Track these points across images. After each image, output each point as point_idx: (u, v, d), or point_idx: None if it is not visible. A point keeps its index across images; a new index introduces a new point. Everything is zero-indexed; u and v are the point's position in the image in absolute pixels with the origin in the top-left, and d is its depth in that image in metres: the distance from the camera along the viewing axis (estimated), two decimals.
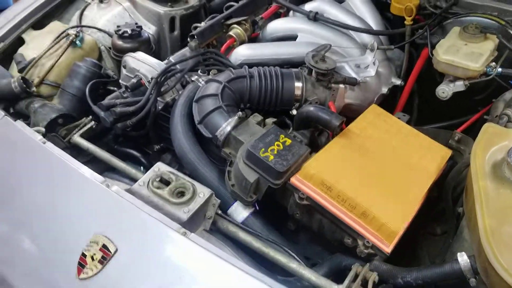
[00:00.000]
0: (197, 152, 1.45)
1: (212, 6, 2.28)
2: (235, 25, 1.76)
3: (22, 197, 1.37)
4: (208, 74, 1.66)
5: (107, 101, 1.56)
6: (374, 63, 1.63)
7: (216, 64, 1.70)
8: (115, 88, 1.80)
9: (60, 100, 1.73)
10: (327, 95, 1.58)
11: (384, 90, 1.76)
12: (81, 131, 1.63)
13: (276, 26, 1.84)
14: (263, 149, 1.29)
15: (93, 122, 1.65)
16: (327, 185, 1.22)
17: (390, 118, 1.55)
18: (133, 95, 1.61)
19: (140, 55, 1.67)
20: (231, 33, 1.76)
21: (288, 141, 1.34)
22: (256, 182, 1.29)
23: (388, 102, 1.84)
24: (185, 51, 1.77)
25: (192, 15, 2.13)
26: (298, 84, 1.55)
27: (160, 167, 1.37)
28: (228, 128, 1.40)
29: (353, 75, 1.63)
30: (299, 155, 1.30)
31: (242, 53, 1.73)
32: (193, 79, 1.64)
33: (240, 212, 1.38)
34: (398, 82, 1.80)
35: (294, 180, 1.27)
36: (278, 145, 1.32)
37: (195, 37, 1.70)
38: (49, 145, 1.44)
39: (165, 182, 1.33)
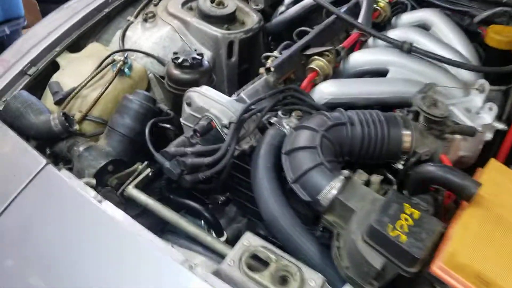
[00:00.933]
0: (291, 218, 1.17)
1: (268, 28, 2.02)
2: (316, 56, 1.49)
3: (86, 273, 1.07)
4: (289, 115, 1.38)
5: (173, 148, 1.27)
6: (491, 108, 1.37)
7: (297, 103, 1.43)
8: (170, 126, 1.52)
9: (109, 141, 1.43)
10: (439, 146, 1.31)
11: (489, 136, 1.50)
12: (136, 181, 1.34)
13: (361, 58, 1.57)
14: (390, 225, 1.02)
15: (149, 169, 1.37)
16: (484, 280, 0.95)
17: None
18: (203, 141, 1.32)
19: (209, 91, 1.39)
20: (313, 65, 1.49)
21: (416, 213, 1.07)
22: (382, 268, 1.01)
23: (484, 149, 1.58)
24: (257, 85, 1.49)
25: (251, 39, 1.87)
26: (407, 133, 1.28)
27: (251, 240, 1.08)
28: (334, 192, 1.12)
29: (465, 121, 1.37)
30: (432, 233, 1.03)
31: (328, 90, 1.46)
32: (272, 121, 1.37)
33: None
34: (501, 126, 1.54)
35: (437, 270, 0.99)
36: (406, 219, 1.05)
37: (272, 70, 1.42)
38: (107, 205, 1.15)
39: (260, 260, 1.05)
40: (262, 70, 1.49)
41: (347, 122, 1.25)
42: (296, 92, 1.44)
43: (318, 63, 1.48)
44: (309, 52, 1.52)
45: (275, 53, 1.55)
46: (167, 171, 1.27)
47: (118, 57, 1.58)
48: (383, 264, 1.01)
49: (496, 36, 1.65)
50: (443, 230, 1.05)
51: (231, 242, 1.43)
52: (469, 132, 1.29)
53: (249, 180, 1.35)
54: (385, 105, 1.47)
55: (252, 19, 1.94)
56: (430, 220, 1.06)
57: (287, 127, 1.33)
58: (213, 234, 1.38)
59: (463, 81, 1.54)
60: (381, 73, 1.55)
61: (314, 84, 1.50)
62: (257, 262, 1.05)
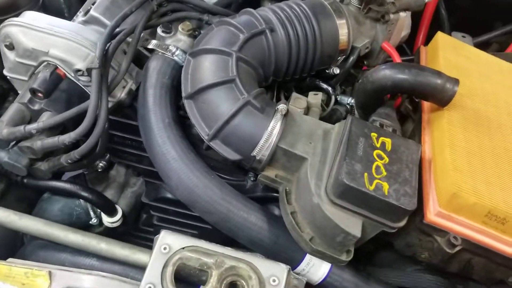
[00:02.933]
0: (219, 187, 0.81)
1: None
2: None
3: None
4: (174, 31, 0.94)
5: (6, 130, 0.79)
6: None
7: (180, 10, 0.97)
8: None
9: None
10: (379, 32, 0.99)
11: None
12: None
13: None
14: (366, 173, 0.71)
15: None
16: (498, 216, 0.71)
17: (469, 51, 1.03)
18: (51, 104, 0.84)
19: (38, 19, 0.86)
20: None
21: (388, 142, 0.77)
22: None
23: None
24: None
25: None
26: (342, 22, 0.92)
27: (171, 242, 0.72)
28: (274, 140, 0.77)
29: None
30: (414, 165, 0.75)
31: None
32: (151, 46, 0.91)
33: (317, 268, 0.83)
34: None
35: (435, 218, 0.73)
36: (379, 156, 0.75)
37: None
38: None
39: (193, 271, 0.71)
40: None
41: (266, 29, 0.85)
42: None
43: None
44: None
45: None
46: (8, 166, 0.80)
47: None
48: (364, 228, 0.73)
49: None
50: (420, 154, 0.78)
51: (129, 215, 1.06)
52: (417, 5, 0.97)
53: (136, 137, 0.94)
54: None
55: None
56: (406, 146, 0.77)
57: (177, 51, 0.90)
58: (103, 215, 0.99)
59: None
60: None
61: None
62: (190, 274, 0.71)
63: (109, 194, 1.06)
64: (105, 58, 0.81)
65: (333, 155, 0.77)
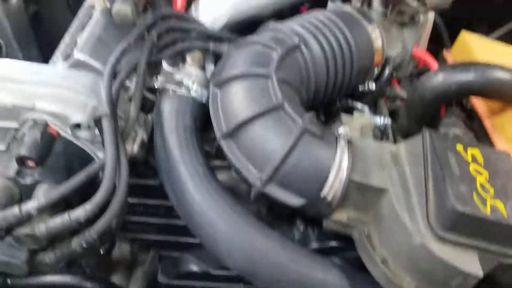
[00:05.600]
0: (281, 242, 0.64)
1: None
2: None
3: None
4: (182, 63, 0.78)
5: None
6: None
7: (183, 39, 0.81)
8: None
9: None
10: (408, 37, 0.88)
11: None
12: None
13: None
14: (474, 194, 0.58)
15: None
16: None
17: (497, 47, 0.95)
18: (47, 173, 0.64)
19: (9, 65, 0.68)
20: None
21: (477, 153, 0.64)
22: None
23: None
24: (94, 29, 0.79)
25: None
26: (373, 29, 0.80)
27: None
28: (345, 173, 0.61)
29: None
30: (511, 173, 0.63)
31: (224, 3, 0.86)
32: (158, 85, 0.75)
33: None
34: None
35: None
36: (477, 171, 0.61)
37: None
38: None
39: None
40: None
41: (300, 43, 0.71)
42: (178, 20, 0.82)
43: None
44: None
45: None
46: (1, 266, 0.58)
47: None
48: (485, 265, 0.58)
49: None
50: None
51: None
52: (445, 3, 0.87)
53: (153, 201, 0.76)
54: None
55: None
56: (496, 155, 0.65)
57: (194, 86, 0.73)
58: None
59: None
60: None
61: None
62: None
63: (116, 279, 0.85)
64: (112, 105, 0.63)
65: (417, 180, 0.63)
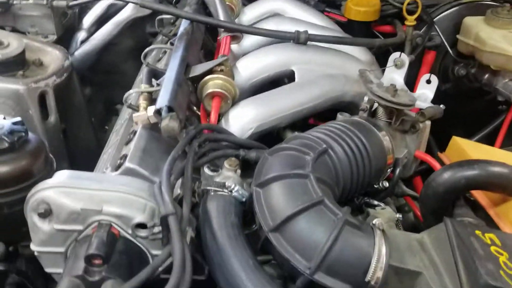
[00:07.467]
0: None
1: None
2: (209, 76, 1.00)
3: None
4: (220, 168, 0.88)
5: None
6: (429, 81, 1.14)
7: (217, 148, 0.92)
8: None
9: None
10: (410, 142, 1.02)
11: None
12: None
13: (254, 65, 1.13)
14: (501, 271, 0.66)
15: None
16: None
17: (486, 149, 1.10)
18: (112, 269, 0.69)
19: (74, 176, 0.76)
20: (211, 88, 0.98)
21: (494, 237, 0.74)
22: None
23: None
24: (139, 142, 0.91)
25: (67, 84, 1.24)
26: (384, 135, 0.94)
27: None
28: (385, 258, 0.69)
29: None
30: None
31: (250, 117, 0.99)
32: (203, 187, 0.83)
33: None
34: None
35: None
36: (498, 252, 0.70)
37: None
38: None
39: None
40: (140, 116, 0.92)
41: (328, 148, 0.82)
42: (214, 132, 0.94)
43: (216, 83, 0.99)
44: (194, 73, 1.02)
45: (141, 87, 1.00)
46: None
47: None
48: None
49: (355, 7, 1.47)
50: None
51: None
52: (439, 112, 1.03)
53: None
54: (316, 113, 1.10)
55: (52, 56, 1.30)
56: (510, 239, 0.75)
57: (236, 187, 0.82)
58: None
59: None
60: (285, 77, 1.16)
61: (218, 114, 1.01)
62: None
63: None
64: (175, 206, 0.70)
65: (447, 262, 0.71)
